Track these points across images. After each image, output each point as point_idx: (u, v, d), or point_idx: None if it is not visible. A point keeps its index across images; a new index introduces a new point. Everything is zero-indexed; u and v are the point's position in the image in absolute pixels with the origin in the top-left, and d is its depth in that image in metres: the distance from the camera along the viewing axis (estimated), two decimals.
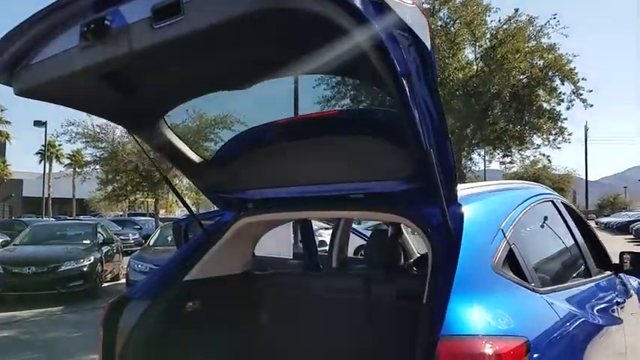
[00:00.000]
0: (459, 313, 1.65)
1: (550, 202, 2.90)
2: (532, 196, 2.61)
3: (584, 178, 48.04)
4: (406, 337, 2.41)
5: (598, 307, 2.66)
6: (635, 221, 31.19)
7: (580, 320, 2.24)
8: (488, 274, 1.88)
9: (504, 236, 2.06)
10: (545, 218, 2.78)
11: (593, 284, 2.86)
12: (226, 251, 2.84)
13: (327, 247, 4.26)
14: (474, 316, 1.68)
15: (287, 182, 2.60)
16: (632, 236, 27.91)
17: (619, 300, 3.00)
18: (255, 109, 2.73)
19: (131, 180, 17.48)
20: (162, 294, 2.62)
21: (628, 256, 3.30)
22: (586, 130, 46.66)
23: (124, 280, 10.55)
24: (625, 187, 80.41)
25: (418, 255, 5.02)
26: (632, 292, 3.45)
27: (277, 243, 4.35)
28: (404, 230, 5.07)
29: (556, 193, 3.27)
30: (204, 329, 2.82)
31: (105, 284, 11.25)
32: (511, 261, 2.03)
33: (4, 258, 10.11)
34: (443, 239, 1.93)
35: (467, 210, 2.01)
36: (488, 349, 1.57)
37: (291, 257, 4.37)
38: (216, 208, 3.38)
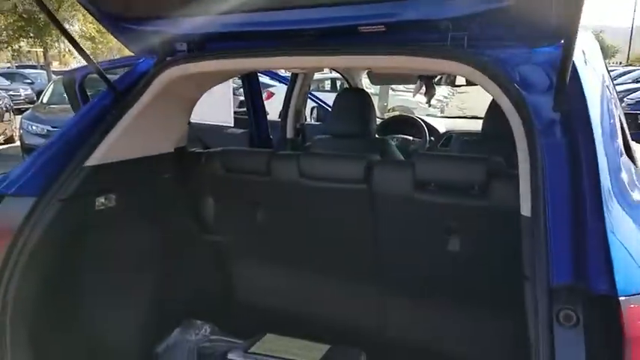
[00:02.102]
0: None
1: None
2: None
3: None
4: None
5: None
6: None
7: None
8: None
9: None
10: None
11: None
12: (148, 120, 1.87)
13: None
14: None
15: (245, 5, 1.58)
16: None
17: None
18: None
19: (10, 24, 14.88)
20: (51, 187, 1.66)
21: None
22: None
23: (19, 143, 9.13)
24: None
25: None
26: None
27: (212, 105, 3.35)
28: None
29: None
30: (127, 237, 1.95)
31: None
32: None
33: None
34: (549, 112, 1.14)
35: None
36: None
37: (232, 124, 3.42)
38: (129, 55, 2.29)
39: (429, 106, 3.16)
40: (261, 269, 2.30)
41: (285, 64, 1.78)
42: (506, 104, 1.27)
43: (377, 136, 3.93)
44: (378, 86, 6.88)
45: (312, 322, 2.15)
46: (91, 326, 1.84)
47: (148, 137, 1.93)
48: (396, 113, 6.15)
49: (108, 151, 1.77)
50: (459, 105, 11.98)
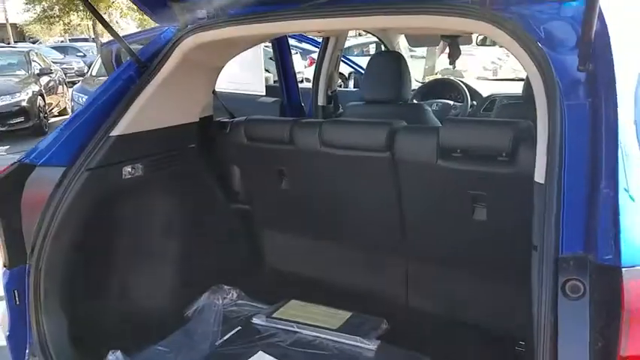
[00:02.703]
0: None
1: None
2: None
3: None
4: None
5: None
6: None
7: None
8: None
9: None
10: None
11: None
12: (171, 89, 1.88)
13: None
14: None
15: None
16: None
17: None
18: None
19: None
20: (79, 157, 1.72)
21: None
22: None
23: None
24: None
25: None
26: None
27: (244, 74, 3.35)
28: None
29: None
30: (155, 205, 2.01)
31: (53, 119, 10.16)
32: None
33: None
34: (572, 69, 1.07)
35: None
36: None
37: (264, 93, 3.40)
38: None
39: (453, 68, 2.92)
40: (287, 237, 2.32)
41: (303, 28, 1.73)
42: (528, 63, 1.19)
43: (415, 101, 3.84)
44: (425, 48, 6.60)
45: (337, 289, 2.16)
46: (123, 289, 1.92)
47: (172, 107, 1.96)
48: (438, 76, 5.92)
49: (133, 121, 1.81)
50: (514, 67, 11.43)
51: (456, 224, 1.87)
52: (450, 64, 3.15)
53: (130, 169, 1.86)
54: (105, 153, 1.76)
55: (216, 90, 2.35)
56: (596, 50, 1.08)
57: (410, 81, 2.72)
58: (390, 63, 2.60)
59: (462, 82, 4.00)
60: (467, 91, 3.81)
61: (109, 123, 1.77)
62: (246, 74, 3.34)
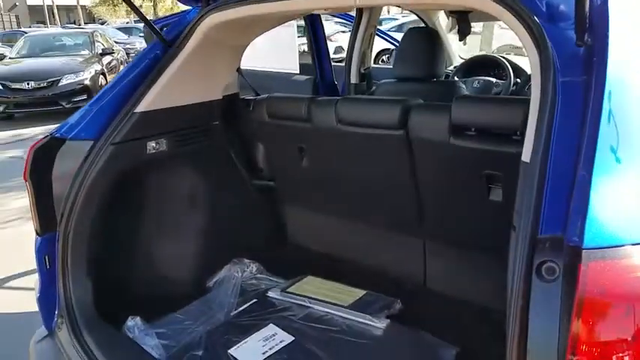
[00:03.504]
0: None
1: None
2: None
3: None
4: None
5: None
6: None
7: None
8: None
9: None
10: None
11: None
12: (194, 67, 1.94)
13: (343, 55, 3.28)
14: None
15: None
16: None
17: None
18: None
19: None
20: (105, 132, 1.81)
21: None
22: None
23: None
24: None
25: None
26: None
27: (278, 52, 3.37)
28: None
29: None
30: (179, 178, 2.09)
31: None
32: None
33: (1, 73, 9.44)
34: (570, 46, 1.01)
35: None
36: None
37: (297, 71, 3.41)
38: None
39: (464, 44, 2.71)
40: (308, 214, 2.35)
41: (314, 5, 1.72)
42: (524, 37, 1.13)
43: (456, 78, 3.72)
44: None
45: (355, 267, 2.18)
46: (147, 259, 2.03)
47: (195, 85, 2.01)
48: (482, 53, 5.68)
49: (156, 98, 1.88)
50: None
51: (471, 205, 1.82)
52: (459, 40, 2.90)
53: (154, 144, 1.94)
54: (129, 128, 1.84)
55: (251, 68, 2.39)
56: (593, 25, 1.01)
57: (443, 58, 2.64)
58: (422, 39, 2.54)
59: (505, 58, 3.82)
60: (510, 68, 3.64)
61: (133, 100, 1.85)
62: (280, 53, 3.36)
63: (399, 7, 3.10)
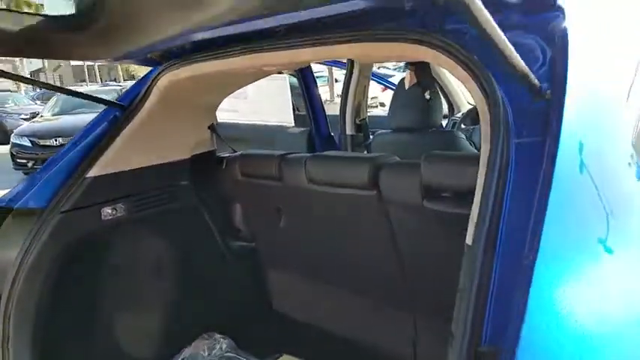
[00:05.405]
0: None
1: None
2: None
3: None
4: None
5: None
6: None
7: None
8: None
9: None
10: None
11: None
12: (156, 127, 1.82)
13: None
14: None
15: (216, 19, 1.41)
16: None
17: None
18: None
19: None
20: (52, 200, 1.69)
21: None
22: None
23: None
24: None
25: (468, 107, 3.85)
26: None
27: (271, 105, 3.26)
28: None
29: None
30: (141, 246, 1.93)
31: None
32: None
33: (31, 130, 9.83)
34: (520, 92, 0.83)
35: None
36: None
37: (293, 124, 3.28)
38: None
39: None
40: (289, 279, 2.15)
41: (261, 62, 1.57)
42: (474, 91, 0.94)
43: (463, 125, 3.52)
44: None
45: (338, 341, 1.94)
46: (101, 336, 1.85)
47: (157, 145, 1.89)
48: None
49: (112, 160, 1.76)
50: None
51: (458, 276, 1.58)
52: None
53: (109, 210, 1.81)
54: (80, 194, 1.71)
55: (250, 122, 2.26)
56: (556, 74, 0.81)
57: (439, 107, 2.47)
58: (414, 89, 2.38)
59: None
60: None
61: (85, 164, 1.74)
62: (273, 105, 3.25)
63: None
